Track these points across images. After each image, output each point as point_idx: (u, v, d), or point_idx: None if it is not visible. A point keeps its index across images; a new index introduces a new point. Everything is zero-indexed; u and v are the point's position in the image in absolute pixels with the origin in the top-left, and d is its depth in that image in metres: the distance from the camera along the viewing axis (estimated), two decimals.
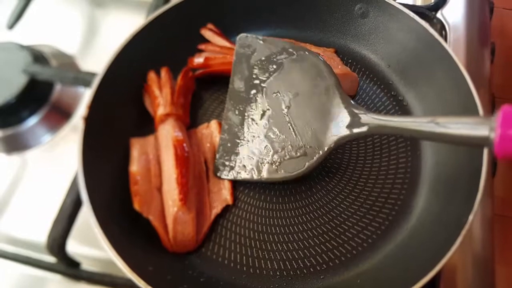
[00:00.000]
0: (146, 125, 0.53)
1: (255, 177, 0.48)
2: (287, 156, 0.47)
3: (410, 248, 0.45)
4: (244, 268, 0.47)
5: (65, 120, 0.61)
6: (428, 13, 0.60)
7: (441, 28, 0.59)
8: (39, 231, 0.52)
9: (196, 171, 0.50)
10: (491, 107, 0.59)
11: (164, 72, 0.54)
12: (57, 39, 0.68)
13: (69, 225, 0.48)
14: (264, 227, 0.49)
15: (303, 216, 0.49)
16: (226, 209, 0.50)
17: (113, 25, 0.69)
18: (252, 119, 0.49)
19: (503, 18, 1.12)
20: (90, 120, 0.48)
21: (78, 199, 0.47)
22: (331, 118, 0.45)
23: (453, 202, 0.45)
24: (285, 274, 0.46)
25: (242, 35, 0.50)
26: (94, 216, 0.43)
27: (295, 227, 0.48)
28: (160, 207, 0.47)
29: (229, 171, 0.50)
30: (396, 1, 0.53)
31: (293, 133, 0.46)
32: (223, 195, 0.50)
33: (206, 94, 0.58)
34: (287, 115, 0.47)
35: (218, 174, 0.50)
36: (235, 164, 0.49)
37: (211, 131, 0.53)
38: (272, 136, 0.47)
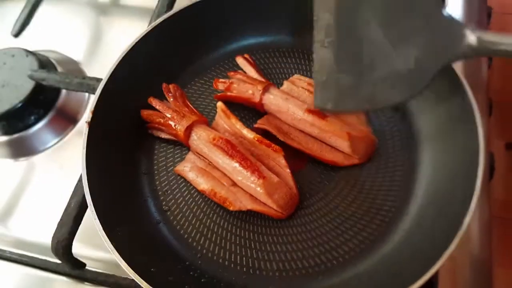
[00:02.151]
0: (147, 128, 0.55)
1: (355, 107, 0.45)
2: (388, 86, 0.42)
3: (407, 250, 0.46)
4: (244, 269, 0.47)
5: (71, 125, 0.62)
6: None
7: None
8: (46, 234, 0.52)
9: (245, 147, 0.51)
10: (489, 111, 0.60)
11: (175, 88, 0.56)
12: (63, 46, 0.70)
13: (74, 227, 0.49)
14: (263, 228, 0.50)
15: (302, 218, 0.50)
16: (226, 210, 0.51)
17: (117, 32, 0.70)
18: (346, 52, 0.44)
19: (503, 23, 1.13)
20: (94, 125, 0.49)
21: (83, 201, 0.48)
22: (437, 39, 0.40)
23: (449, 204, 0.45)
24: (284, 274, 0.47)
25: None
26: (98, 218, 0.44)
27: (294, 228, 0.49)
28: (247, 195, 0.49)
29: (332, 103, 0.45)
30: None
31: (392, 61, 0.42)
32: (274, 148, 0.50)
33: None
34: (384, 43, 0.42)
35: (321, 106, 0.46)
36: (335, 95, 0.45)
37: (222, 115, 0.53)
38: (369, 68, 0.43)
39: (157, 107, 0.54)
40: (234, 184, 0.50)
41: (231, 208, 0.48)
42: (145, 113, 0.54)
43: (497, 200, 1.03)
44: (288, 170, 0.50)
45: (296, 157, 0.52)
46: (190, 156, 0.53)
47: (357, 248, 0.48)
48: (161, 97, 0.55)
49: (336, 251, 0.48)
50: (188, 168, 0.52)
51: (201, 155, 0.52)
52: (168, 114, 0.53)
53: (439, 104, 0.51)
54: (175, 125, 0.52)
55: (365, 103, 0.44)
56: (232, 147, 0.49)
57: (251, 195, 0.49)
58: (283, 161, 0.50)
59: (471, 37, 0.39)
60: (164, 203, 0.52)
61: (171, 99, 0.54)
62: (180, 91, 0.56)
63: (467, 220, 0.41)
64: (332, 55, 0.44)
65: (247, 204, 0.48)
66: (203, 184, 0.50)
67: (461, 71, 0.56)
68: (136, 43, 0.54)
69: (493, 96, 0.69)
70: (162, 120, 0.53)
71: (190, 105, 0.55)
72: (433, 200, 0.48)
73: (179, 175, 0.53)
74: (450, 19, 0.40)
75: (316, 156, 0.52)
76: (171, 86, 0.56)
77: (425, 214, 0.48)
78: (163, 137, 0.55)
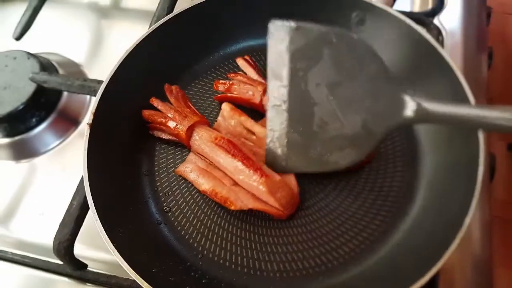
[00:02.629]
0: (148, 129, 0.55)
1: (304, 169, 0.46)
2: (336, 148, 0.43)
3: (408, 250, 0.46)
4: (245, 270, 0.48)
5: (73, 127, 0.63)
6: (425, 19, 0.61)
7: (438, 33, 0.60)
8: (47, 235, 0.53)
9: (247, 148, 0.51)
10: None
11: (177, 89, 0.56)
12: (64, 48, 0.70)
13: (76, 229, 0.49)
14: (264, 229, 0.50)
15: (303, 218, 0.50)
16: (227, 211, 0.51)
17: (118, 34, 0.71)
18: (297, 113, 0.44)
19: (503, 23, 1.13)
20: (95, 126, 0.49)
21: (84, 202, 0.49)
22: (381, 104, 0.41)
23: (450, 205, 0.45)
24: (284, 275, 0.47)
25: (275, 22, 0.44)
26: (99, 219, 0.44)
27: (294, 229, 0.49)
28: (249, 194, 0.49)
29: (281, 165, 0.46)
30: (393, 7, 0.54)
31: (340, 124, 0.42)
32: None
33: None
34: (333, 106, 0.42)
35: (272, 168, 0.47)
36: (285, 157, 0.45)
37: (227, 115, 0.54)
38: (318, 129, 0.43)
39: (159, 107, 0.54)
40: (235, 183, 0.50)
41: (232, 208, 0.48)
42: (146, 113, 0.55)
43: (498, 200, 1.03)
44: None
45: None
46: (191, 157, 0.53)
47: (357, 249, 0.48)
48: (162, 99, 0.55)
49: (337, 252, 0.48)
50: (189, 169, 0.52)
51: (202, 156, 0.52)
52: (169, 114, 0.53)
53: None
54: (176, 125, 0.52)
55: (315, 165, 0.45)
56: (234, 147, 0.49)
57: (252, 194, 0.49)
58: None
59: (409, 107, 0.40)
60: (165, 204, 0.52)
61: (173, 100, 0.55)
62: (181, 92, 0.56)
63: (467, 220, 0.41)
64: (285, 115, 0.44)
65: (249, 203, 0.48)
66: (204, 184, 0.50)
67: (461, 71, 0.56)
68: (137, 45, 0.54)
69: (495, 96, 0.69)
70: (163, 120, 0.53)
71: (191, 106, 0.55)
72: (433, 201, 0.48)
73: (180, 176, 0.53)
74: (395, 85, 0.41)
75: None
76: (173, 87, 0.56)
77: (426, 214, 0.48)
78: (163, 137, 0.55)
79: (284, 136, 0.44)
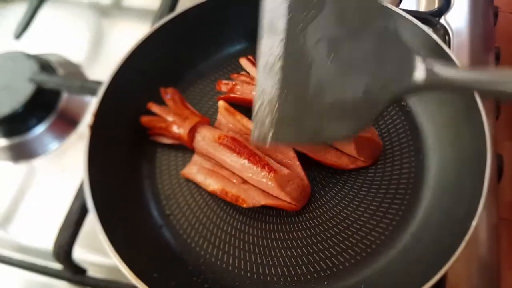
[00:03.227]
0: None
1: (296, 141, 0.41)
2: (334, 117, 0.38)
3: (414, 254, 0.45)
4: (248, 274, 0.47)
5: (72, 128, 0.62)
6: (431, 18, 0.60)
7: (444, 33, 0.59)
8: (46, 239, 0.52)
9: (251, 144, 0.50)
10: (496, 112, 0.59)
11: (174, 91, 0.55)
12: (64, 48, 0.69)
13: (75, 232, 0.49)
14: (267, 233, 0.49)
15: (307, 222, 0.49)
16: (230, 215, 0.50)
17: (119, 34, 0.70)
18: (292, 74, 0.38)
19: (510, 23, 1.12)
20: (95, 128, 0.49)
21: (84, 206, 0.48)
22: (388, 69, 0.37)
23: (457, 207, 0.45)
24: (289, 280, 0.46)
25: None
26: (100, 223, 0.43)
27: (298, 232, 0.49)
28: (259, 191, 0.48)
29: (269, 136, 0.39)
30: (399, 7, 0.53)
31: (339, 89, 0.37)
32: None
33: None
34: (332, 67, 0.37)
35: (259, 141, 0.39)
36: (275, 129, 0.39)
37: (224, 113, 0.53)
38: (314, 95, 0.38)
39: (157, 112, 0.53)
40: (244, 181, 0.49)
41: (244, 206, 0.48)
42: (145, 119, 0.54)
43: (507, 202, 1.02)
44: (297, 162, 0.49)
45: (301, 161, 0.52)
46: (196, 158, 0.52)
47: (363, 253, 0.47)
48: (162, 102, 0.55)
49: (342, 256, 0.47)
50: (195, 171, 0.51)
51: (207, 156, 0.51)
52: (169, 118, 0.52)
53: (445, 106, 0.51)
54: (178, 128, 0.51)
55: (308, 136, 0.39)
56: (239, 144, 0.49)
57: (262, 191, 0.48)
58: (291, 153, 0.49)
59: (420, 70, 0.36)
60: (166, 207, 0.51)
61: (171, 103, 0.54)
62: (178, 94, 0.55)
63: (474, 223, 0.41)
64: (277, 82, 0.38)
65: (260, 200, 0.48)
66: (212, 184, 0.49)
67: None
68: (138, 45, 0.54)
69: None
70: (163, 125, 0.52)
71: (190, 106, 0.54)
72: (440, 203, 0.47)
73: (186, 178, 0.52)
74: (405, 46, 0.37)
75: (320, 160, 0.51)
76: (169, 89, 0.55)
77: (432, 217, 0.47)
78: (165, 142, 0.54)
79: (275, 101, 0.38)
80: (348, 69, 0.37)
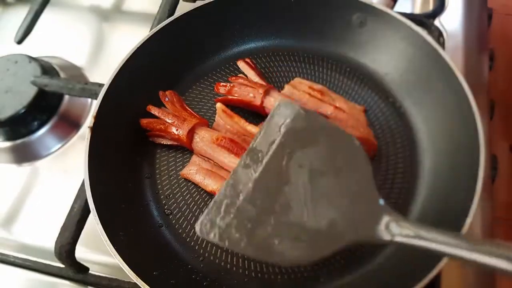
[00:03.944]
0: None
1: (241, 249, 0.38)
2: (289, 237, 0.38)
3: (409, 252, 0.45)
4: (246, 272, 0.48)
5: (74, 130, 0.63)
6: (425, 20, 0.61)
7: (438, 35, 0.60)
8: (49, 238, 0.53)
9: (248, 144, 0.50)
10: (490, 113, 0.60)
11: (172, 94, 0.56)
12: (66, 52, 0.70)
13: (77, 232, 0.50)
14: None
15: None
16: None
17: (119, 37, 0.71)
18: (264, 185, 0.40)
19: (505, 24, 1.12)
20: (96, 130, 0.50)
21: (85, 206, 0.49)
22: (356, 213, 0.38)
23: (451, 206, 0.45)
24: (286, 277, 0.47)
25: (284, 101, 0.45)
26: (100, 222, 0.44)
27: None
28: None
29: (216, 232, 0.38)
30: (394, 9, 0.54)
31: (306, 213, 0.38)
32: None
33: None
34: (306, 193, 0.39)
35: (202, 234, 0.38)
36: (224, 226, 0.38)
37: (222, 115, 0.54)
38: (279, 209, 0.39)
39: (157, 114, 0.54)
40: None
41: None
42: (144, 121, 0.54)
43: (502, 202, 1.03)
44: None
45: None
46: (195, 159, 0.53)
47: (359, 251, 0.48)
48: (161, 104, 0.56)
49: (339, 253, 0.47)
50: (194, 171, 0.52)
51: (205, 157, 0.52)
52: (168, 119, 0.53)
53: (439, 106, 0.51)
54: (177, 130, 0.52)
55: (254, 248, 0.38)
56: (236, 145, 0.50)
57: None
58: None
59: (382, 225, 0.36)
60: (166, 206, 0.52)
61: (169, 105, 0.55)
62: (177, 97, 0.56)
63: (468, 221, 0.41)
64: (252, 178, 0.40)
65: None
66: (211, 184, 0.50)
67: (462, 72, 0.56)
68: (138, 48, 0.55)
69: (498, 97, 0.69)
70: (163, 127, 0.53)
71: (188, 108, 0.55)
72: (434, 202, 0.48)
73: (186, 179, 0.53)
74: (377, 199, 0.38)
75: None
76: (167, 92, 0.56)
77: (426, 215, 0.48)
78: (165, 143, 0.55)
79: (238, 202, 0.39)
80: (320, 199, 0.39)
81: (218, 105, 0.54)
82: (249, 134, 0.52)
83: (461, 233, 0.36)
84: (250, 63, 0.58)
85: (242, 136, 0.52)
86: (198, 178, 0.52)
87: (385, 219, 0.37)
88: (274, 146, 0.41)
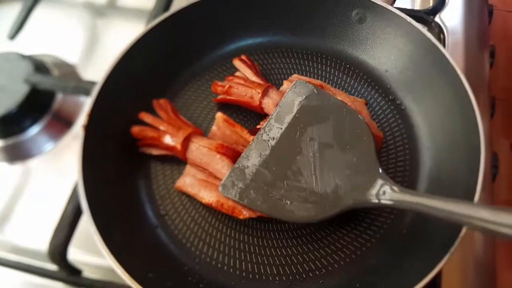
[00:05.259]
0: None
1: (258, 207, 0.46)
2: (299, 199, 0.44)
3: (409, 251, 0.45)
4: (243, 274, 0.47)
5: (67, 129, 0.62)
6: (426, 17, 0.60)
7: (439, 32, 0.59)
8: (42, 239, 0.52)
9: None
10: (491, 110, 0.59)
11: (166, 102, 0.55)
12: (59, 49, 0.69)
13: (70, 233, 0.49)
14: (262, 232, 0.49)
15: None
16: (224, 214, 0.50)
17: (114, 34, 0.70)
18: (279, 154, 0.47)
19: (506, 21, 1.12)
20: (90, 129, 0.49)
21: (79, 207, 0.48)
22: (358, 180, 0.43)
23: None
24: (284, 279, 0.46)
25: (300, 81, 0.50)
26: (94, 224, 0.43)
27: (293, 232, 0.48)
28: None
29: (237, 192, 0.46)
30: (394, 5, 0.53)
31: (314, 180, 0.45)
32: None
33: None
34: (315, 162, 0.45)
35: (224, 192, 0.47)
36: (244, 187, 0.46)
37: (222, 125, 0.53)
38: (291, 175, 0.46)
39: (150, 121, 0.53)
40: None
41: (241, 217, 0.47)
42: (136, 129, 0.53)
43: (503, 200, 1.02)
44: None
45: None
46: (189, 169, 0.52)
47: (358, 251, 0.47)
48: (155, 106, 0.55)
49: (337, 255, 0.47)
50: (188, 182, 0.51)
51: (200, 167, 0.51)
52: (162, 127, 0.52)
53: (439, 103, 0.50)
54: (171, 138, 0.51)
55: (269, 207, 0.45)
56: (235, 153, 0.49)
57: None
58: None
59: (376, 189, 0.42)
60: (161, 207, 0.51)
61: (163, 113, 0.53)
62: (170, 105, 0.55)
63: None
64: (267, 150, 0.47)
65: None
66: (207, 197, 0.49)
67: (462, 69, 0.55)
68: (133, 45, 0.54)
69: (499, 95, 0.69)
70: (156, 135, 0.52)
71: (182, 117, 0.54)
72: None
73: (180, 191, 0.52)
74: (376, 167, 0.43)
75: None
76: (161, 101, 0.55)
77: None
78: (155, 154, 0.53)
79: (255, 167, 0.47)
80: (327, 168, 0.45)
81: (219, 114, 0.53)
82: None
83: (446, 198, 0.38)
84: (247, 60, 0.57)
85: (241, 146, 0.51)
86: (193, 190, 0.50)
87: (379, 183, 0.42)
88: (289, 120, 0.48)
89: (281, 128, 0.48)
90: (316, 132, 0.47)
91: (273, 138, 0.48)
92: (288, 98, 0.49)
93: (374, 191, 0.42)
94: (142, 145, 0.54)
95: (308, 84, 0.49)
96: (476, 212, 0.35)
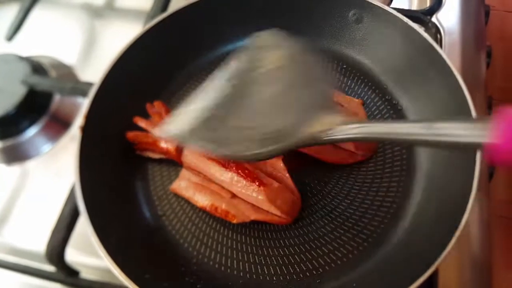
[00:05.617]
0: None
1: (210, 148, 0.44)
2: (257, 136, 0.42)
3: (405, 251, 0.45)
4: (241, 274, 0.47)
5: (65, 130, 0.62)
6: (423, 17, 0.60)
7: (436, 32, 0.59)
8: (40, 241, 0.52)
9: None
10: (488, 110, 0.59)
11: (160, 105, 0.55)
12: (56, 50, 0.69)
13: (68, 234, 0.49)
14: (260, 232, 0.49)
15: (300, 221, 0.49)
16: None
17: (111, 35, 0.70)
18: (239, 95, 0.45)
19: (503, 21, 1.12)
20: (87, 130, 0.49)
21: (76, 208, 0.48)
22: (310, 116, 0.42)
23: (447, 204, 0.45)
24: (281, 278, 0.46)
25: (262, 33, 0.49)
26: (91, 225, 0.43)
27: (291, 231, 0.49)
28: (249, 205, 0.48)
29: (178, 131, 0.45)
30: (391, 5, 0.53)
31: (273, 115, 0.43)
32: None
33: None
34: (274, 100, 0.44)
35: (160, 133, 0.46)
36: (188, 126, 0.44)
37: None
38: (249, 115, 0.44)
39: (144, 126, 0.53)
40: (234, 195, 0.48)
41: (234, 221, 0.47)
42: (131, 135, 0.53)
43: (501, 200, 1.02)
44: (287, 174, 0.49)
45: (294, 159, 0.51)
46: (184, 172, 0.52)
47: (355, 251, 0.47)
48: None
49: (334, 254, 0.47)
50: (184, 185, 0.51)
51: (195, 171, 0.51)
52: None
53: (436, 103, 0.50)
54: (166, 143, 0.51)
55: (214, 144, 0.43)
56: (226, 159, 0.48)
57: (252, 205, 0.48)
58: (281, 165, 0.49)
59: (324, 125, 0.40)
60: (159, 207, 0.51)
61: (157, 118, 0.53)
62: (165, 108, 0.55)
63: (464, 219, 0.41)
64: (221, 92, 0.46)
65: (250, 215, 0.47)
66: (201, 200, 0.49)
67: (459, 70, 0.56)
68: (130, 45, 0.54)
69: (496, 95, 0.69)
70: (151, 140, 0.52)
71: None
72: (430, 200, 0.47)
73: (175, 194, 0.52)
74: (328, 106, 0.42)
75: (316, 156, 0.51)
76: (155, 103, 0.55)
77: (423, 214, 0.47)
78: (152, 157, 0.53)
79: (206, 107, 0.45)
80: (280, 107, 0.44)
81: None
82: None
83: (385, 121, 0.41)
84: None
85: None
86: (187, 193, 0.50)
87: (329, 119, 0.40)
88: (247, 65, 0.47)
89: (239, 72, 0.47)
90: (273, 75, 0.46)
91: (230, 82, 0.46)
92: (250, 46, 0.49)
93: (323, 127, 0.40)
94: (138, 149, 0.54)
95: (269, 32, 0.49)
96: (411, 128, 0.36)
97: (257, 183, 0.46)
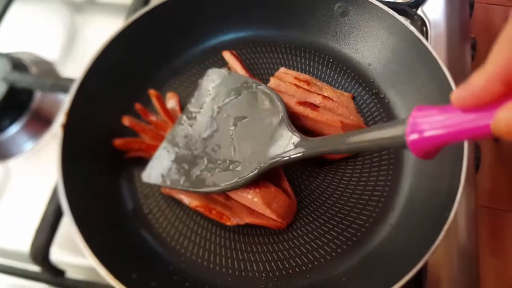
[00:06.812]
0: (126, 130, 0.53)
1: (181, 184, 0.47)
2: (220, 170, 0.46)
3: (394, 245, 0.45)
4: (230, 271, 0.46)
5: (46, 128, 0.61)
6: (408, 10, 0.60)
7: (421, 24, 0.59)
8: (23, 241, 0.51)
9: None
10: None
11: (156, 98, 0.54)
12: (37, 46, 0.67)
13: (52, 234, 0.48)
14: (247, 229, 0.48)
15: None
16: None
17: (93, 30, 0.68)
18: (198, 134, 0.49)
19: (487, 13, 1.13)
20: (69, 128, 0.48)
21: (60, 207, 0.47)
22: (272, 141, 0.45)
23: (435, 197, 0.45)
24: (270, 275, 0.46)
25: (212, 69, 0.53)
26: (75, 224, 0.43)
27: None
28: (243, 207, 0.47)
29: (159, 176, 0.49)
30: None
31: (232, 149, 0.47)
32: None
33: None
34: (232, 134, 0.48)
35: (146, 179, 0.49)
36: (166, 172, 0.48)
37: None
38: (211, 151, 0.48)
39: (133, 127, 0.52)
40: (229, 198, 0.48)
41: (228, 223, 0.47)
42: (119, 142, 0.51)
43: (485, 190, 1.04)
44: (284, 177, 0.48)
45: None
46: None
47: (344, 245, 0.47)
48: (140, 99, 0.54)
49: (323, 249, 0.47)
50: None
51: None
52: (147, 139, 0.51)
53: (422, 95, 0.50)
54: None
55: (193, 184, 0.47)
56: None
57: (247, 207, 0.47)
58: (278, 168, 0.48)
59: (282, 147, 0.44)
60: (144, 206, 0.51)
61: (152, 119, 0.53)
62: (161, 101, 0.54)
63: (452, 212, 0.41)
64: (186, 134, 0.50)
65: (245, 217, 0.47)
66: (196, 201, 0.48)
67: (445, 62, 0.56)
68: (112, 40, 0.53)
69: None
70: (143, 146, 0.51)
71: (170, 112, 0.53)
72: (419, 194, 0.47)
73: (167, 195, 0.51)
74: (288, 128, 0.45)
75: None
76: (151, 90, 0.54)
77: (411, 207, 0.47)
78: (146, 157, 0.52)
79: (175, 151, 0.49)
80: (243, 138, 0.47)
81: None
82: None
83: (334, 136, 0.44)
84: (236, 54, 0.56)
85: None
86: (177, 195, 0.49)
87: (286, 141, 0.44)
88: (205, 104, 0.51)
89: (199, 112, 0.51)
90: (231, 109, 0.49)
91: (191, 121, 0.50)
92: (203, 86, 0.52)
93: (282, 149, 0.44)
94: (129, 154, 0.53)
95: (220, 70, 0.53)
96: (355, 138, 0.39)
97: (253, 185, 0.46)
